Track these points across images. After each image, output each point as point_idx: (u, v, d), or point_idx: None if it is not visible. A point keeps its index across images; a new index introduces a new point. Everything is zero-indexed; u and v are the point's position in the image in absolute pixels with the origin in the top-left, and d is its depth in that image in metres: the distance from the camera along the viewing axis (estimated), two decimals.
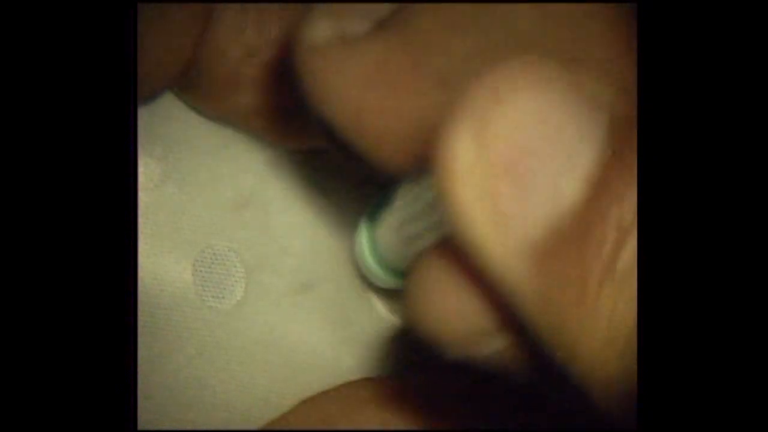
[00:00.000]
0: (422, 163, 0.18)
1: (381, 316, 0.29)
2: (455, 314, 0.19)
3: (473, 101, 0.17)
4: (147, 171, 0.28)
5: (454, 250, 0.19)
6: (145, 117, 0.27)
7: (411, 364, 0.30)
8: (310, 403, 0.28)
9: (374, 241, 0.27)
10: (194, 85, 0.27)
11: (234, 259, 0.28)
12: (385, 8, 0.19)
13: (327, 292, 0.29)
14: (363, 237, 0.27)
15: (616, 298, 0.16)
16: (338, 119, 0.20)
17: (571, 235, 0.16)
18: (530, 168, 0.17)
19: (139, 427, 0.26)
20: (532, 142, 0.16)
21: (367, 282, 0.29)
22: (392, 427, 0.28)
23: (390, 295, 0.29)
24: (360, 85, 0.20)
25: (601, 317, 0.16)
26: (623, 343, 0.16)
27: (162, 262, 0.28)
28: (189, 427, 0.28)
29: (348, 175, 0.29)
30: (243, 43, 0.26)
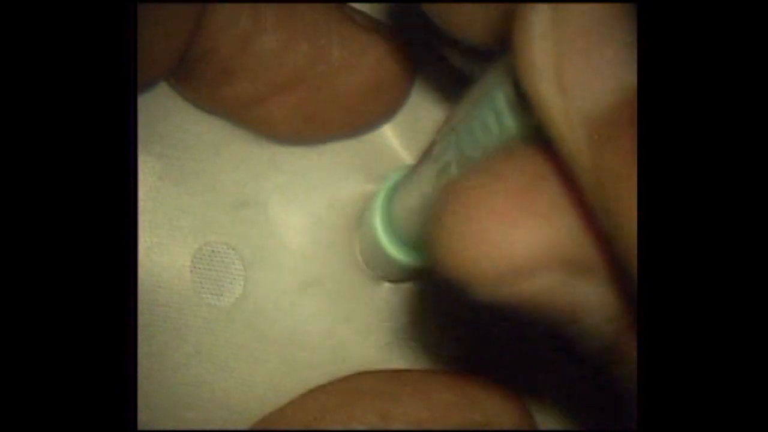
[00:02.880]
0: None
1: (381, 311, 0.29)
2: (498, 243, 0.18)
3: None
4: (145, 168, 0.28)
5: (503, 171, 0.19)
6: (143, 114, 0.27)
7: (412, 358, 0.30)
8: (307, 396, 0.28)
9: (390, 217, 0.27)
10: (190, 76, 0.27)
11: (232, 257, 0.28)
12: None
13: (326, 288, 0.29)
14: (376, 214, 0.27)
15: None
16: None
17: (626, 122, 0.17)
18: (600, 47, 0.17)
19: (137, 427, 0.26)
20: (608, 24, 0.17)
21: (368, 276, 0.29)
22: (390, 420, 0.28)
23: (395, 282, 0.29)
24: None
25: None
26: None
27: (160, 260, 0.28)
28: (188, 426, 0.28)
29: (347, 169, 0.29)
30: (238, 31, 0.26)
